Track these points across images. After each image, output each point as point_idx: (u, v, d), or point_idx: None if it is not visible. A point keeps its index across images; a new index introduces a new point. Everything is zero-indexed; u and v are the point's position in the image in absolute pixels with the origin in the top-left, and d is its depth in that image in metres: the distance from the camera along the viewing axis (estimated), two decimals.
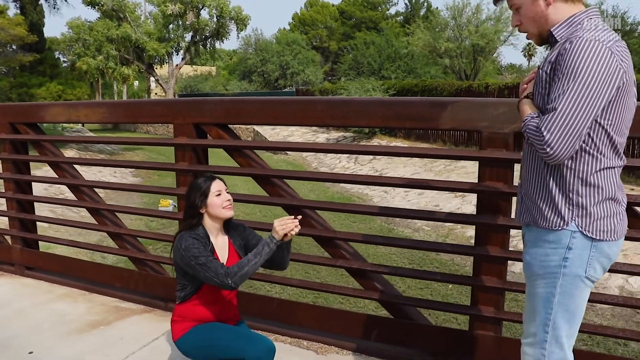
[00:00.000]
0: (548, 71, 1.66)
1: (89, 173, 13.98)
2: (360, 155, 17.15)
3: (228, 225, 2.45)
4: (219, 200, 2.32)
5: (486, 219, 2.54)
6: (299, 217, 2.23)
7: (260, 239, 2.45)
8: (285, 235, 2.21)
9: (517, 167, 2.52)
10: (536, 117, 1.66)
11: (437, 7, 37.71)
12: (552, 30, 1.70)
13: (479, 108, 2.51)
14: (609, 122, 1.62)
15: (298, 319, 3.13)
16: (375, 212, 3.00)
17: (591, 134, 1.62)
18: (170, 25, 33.65)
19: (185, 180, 3.27)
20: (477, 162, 2.57)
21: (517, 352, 1.94)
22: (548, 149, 1.57)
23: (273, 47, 37.26)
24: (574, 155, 1.64)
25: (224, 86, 38.69)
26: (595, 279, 1.73)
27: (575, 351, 1.85)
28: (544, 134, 1.57)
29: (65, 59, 34.77)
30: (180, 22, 33.40)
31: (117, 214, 3.91)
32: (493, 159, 2.49)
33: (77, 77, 30.18)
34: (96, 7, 31.10)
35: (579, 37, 1.57)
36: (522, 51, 42.03)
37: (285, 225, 2.19)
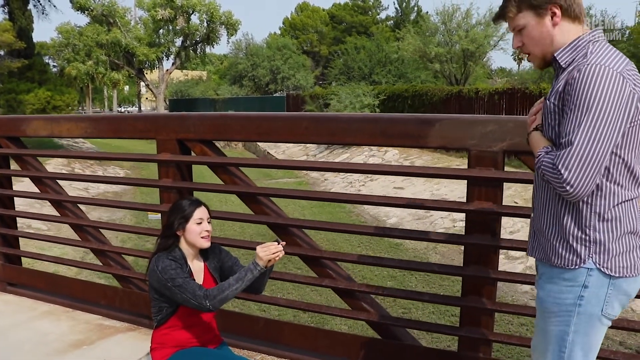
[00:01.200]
0: (556, 102, 1.56)
1: None
2: (354, 161, 17.16)
3: (204, 249, 2.39)
4: (198, 228, 2.26)
5: (475, 239, 2.49)
6: (283, 243, 2.18)
7: (236, 261, 2.41)
8: (269, 260, 2.16)
9: (507, 186, 2.48)
10: (550, 151, 1.55)
11: (427, 12, 37.74)
12: (555, 55, 1.60)
13: (467, 126, 2.46)
14: (626, 150, 1.52)
15: (285, 339, 3.07)
16: (363, 232, 2.95)
17: (608, 166, 1.53)
18: (161, 30, 33.62)
19: (168, 197, 3.20)
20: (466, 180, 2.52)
21: None
22: (568, 188, 1.47)
23: (264, 51, 37.15)
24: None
25: (215, 91, 38.50)
26: (612, 317, 1.63)
27: None
28: (562, 171, 1.47)
29: (55, 64, 34.60)
30: (171, 27, 33.37)
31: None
32: (482, 178, 2.44)
33: (67, 82, 30.02)
34: (86, 12, 31.04)
35: (588, 65, 1.47)
36: (512, 55, 42.28)
37: (269, 251, 2.14)
